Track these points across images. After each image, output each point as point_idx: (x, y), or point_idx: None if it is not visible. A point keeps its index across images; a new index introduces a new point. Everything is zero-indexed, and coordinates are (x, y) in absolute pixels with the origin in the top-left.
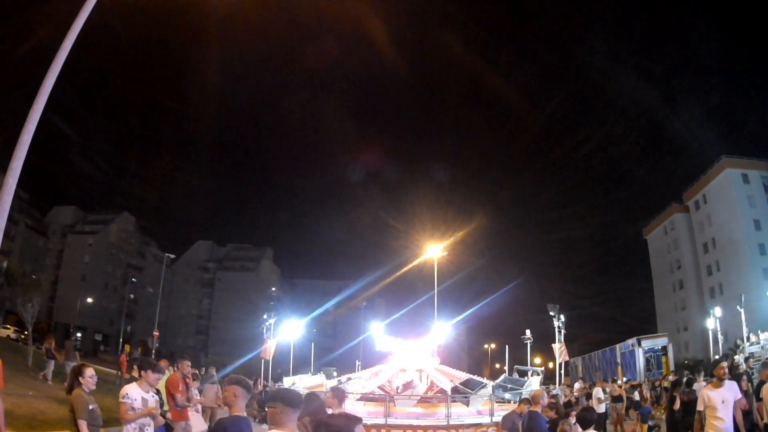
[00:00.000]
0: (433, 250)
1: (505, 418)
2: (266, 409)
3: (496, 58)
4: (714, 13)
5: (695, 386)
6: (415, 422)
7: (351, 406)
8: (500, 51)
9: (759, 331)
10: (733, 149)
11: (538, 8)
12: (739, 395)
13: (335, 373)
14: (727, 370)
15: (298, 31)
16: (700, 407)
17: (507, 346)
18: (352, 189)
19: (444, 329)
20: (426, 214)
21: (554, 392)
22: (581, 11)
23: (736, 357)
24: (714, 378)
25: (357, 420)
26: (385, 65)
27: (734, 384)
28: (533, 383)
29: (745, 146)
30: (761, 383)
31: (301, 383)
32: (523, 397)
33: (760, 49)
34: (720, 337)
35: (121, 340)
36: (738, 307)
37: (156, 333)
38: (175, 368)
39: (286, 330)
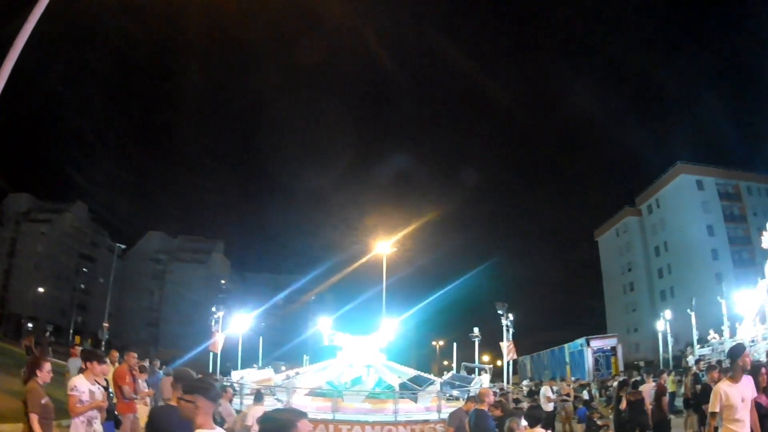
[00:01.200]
0: (383, 246)
1: (452, 415)
2: (181, 402)
3: (463, 58)
4: (673, 20)
5: (642, 387)
6: (363, 418)
7: (299, 401)
8: (466, 49)
9: (708, 336)
10: (689, 156)
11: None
12: (756, 392)
13: (284, 368)
14: (750, 360)
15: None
16: (715, 408)
17: (455, 344)
18: (306, 183)
19: (392, 325)
20: (379, 210)
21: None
22: (543, 14)
23: (688, 358)
24: (731, 371)
25: (302, 414)
26: (348, 59)
27: (750, 379)
28: (483, 381)
29: (701, 154)
30: (707, 385)
31: (249, 377)
32: (470, 394)
33: (718, 57)
34: (670, 339)
35: (71, 331)
36: (689, 310)
37: (106, 324)
38: (128, 357)
39: (235, 323)
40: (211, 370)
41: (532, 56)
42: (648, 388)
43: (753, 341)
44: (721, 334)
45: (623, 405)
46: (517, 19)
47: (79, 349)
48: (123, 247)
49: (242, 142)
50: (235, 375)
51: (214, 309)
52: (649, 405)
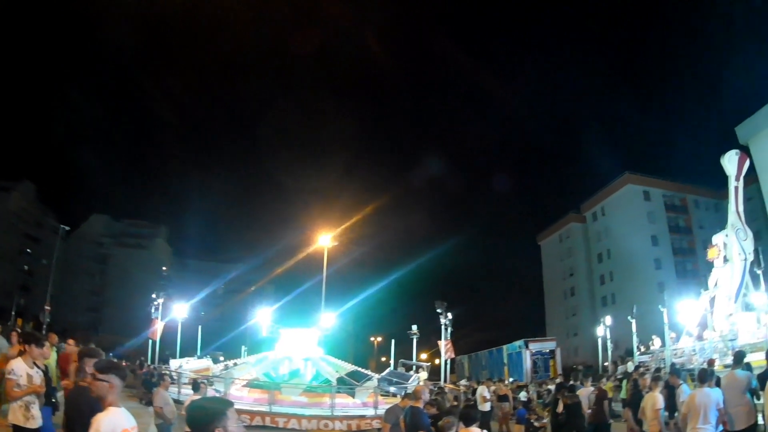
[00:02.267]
0: (324, 240)
1: (388, 411)
2: (95, 380)
3: (425, 53)
4: (625, 34)
5: (580, 391)
6: (299, 411)
7: (236, 393)
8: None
9: (650, 342)
10: (639, 167)
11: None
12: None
13: (222, 358)
14: None
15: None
16: None
17: (393, 340)
18: (252, 174)
19: (331, 318)
20: (324, 203)
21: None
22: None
23: (628, 364)
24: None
25: (229, 403)
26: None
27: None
28: (420, 378)
29: (651, 166)
30: (639, 392)
31: (188, 366)
32: (407, 391)
33: (676, 76)
34: (610, 344)
35: (13, 313)
36: (629, 317)
37: (48, 308)
38: (66, 344)
39: (175, 311)
40: (150, 358)
41: (488, 59)
42: (586, 392)
43: (694, 350)
44: (646, 347)
45: (560, 408)
46: (485, 25)
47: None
48: (67, 228)
49: (192, 127)
50: (174, 363)
51: (154, 296)
52: (586, 409)
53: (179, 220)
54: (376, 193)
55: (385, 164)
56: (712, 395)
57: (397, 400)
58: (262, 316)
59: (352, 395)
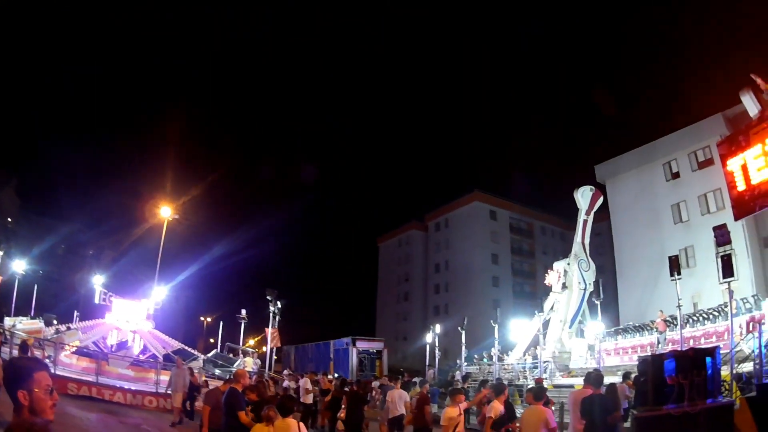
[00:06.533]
0: (165, 211)
1: (207, 394)
2: None
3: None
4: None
5: (390, 393)
6: (125, 385)
7: (65, 359)
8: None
9: (484, 353)
10: (489, 187)
11: None
12: None
13: (55, 321)
14: None
15: None
16: None
17: (222, 322)
18: (114, 137)
19: (163, 292)
20: (167, 175)
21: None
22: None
23: (456, 374)
24: None
25: (42, 366)
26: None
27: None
28: (247, 364)
29: (502, 187)
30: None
31: (21, 326)
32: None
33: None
34: (438, 352)
35: None
36: (460, 328)
37: None
38: None
39: (13, 267)
40: None
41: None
42: (397, 394)
43: (523, 366)
44: (479, 358)
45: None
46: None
47: None
48: None
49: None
50: (8, 322)
51: None
52: (395, 411)
53: (31, 174)
54: (220, 174)
55: (239, 146)
56: (541, 413)
57: (220, 383)
58: (97, 282)
59: None
